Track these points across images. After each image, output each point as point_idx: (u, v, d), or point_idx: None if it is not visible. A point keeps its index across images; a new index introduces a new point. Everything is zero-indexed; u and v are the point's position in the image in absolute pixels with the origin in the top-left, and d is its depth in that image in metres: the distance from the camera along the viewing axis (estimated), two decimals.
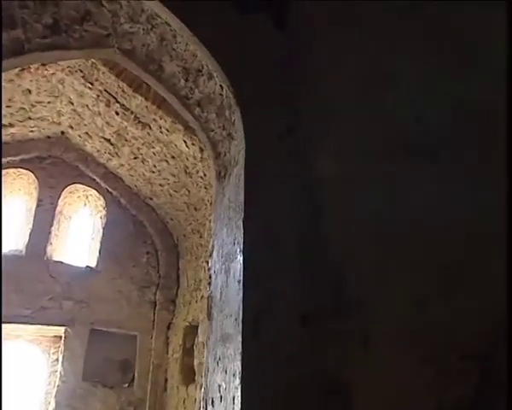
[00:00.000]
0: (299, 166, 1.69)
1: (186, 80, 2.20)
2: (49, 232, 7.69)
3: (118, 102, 5.79)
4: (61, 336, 7.36)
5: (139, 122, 5.80)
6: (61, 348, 7.24)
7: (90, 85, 5.84)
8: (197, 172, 5.82)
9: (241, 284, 1.75)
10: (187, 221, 7.45)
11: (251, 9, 2.03)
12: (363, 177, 1.63)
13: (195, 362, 6.46)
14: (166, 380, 7.66)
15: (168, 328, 8.07)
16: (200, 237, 6.97)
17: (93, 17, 2.23)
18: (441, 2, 1.90)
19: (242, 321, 1.70)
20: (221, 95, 2.01)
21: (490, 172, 1.68)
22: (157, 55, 2.26)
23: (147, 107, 5.37)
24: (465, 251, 1.54)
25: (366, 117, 1.76)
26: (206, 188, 5.93)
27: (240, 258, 1.81)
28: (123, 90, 5.43)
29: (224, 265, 2.07)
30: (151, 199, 8.00)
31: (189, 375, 6.69)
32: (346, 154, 1.68)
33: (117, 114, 6.03)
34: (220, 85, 1.99)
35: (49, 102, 6.62)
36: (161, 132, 5.65)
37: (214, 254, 2.28)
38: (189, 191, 6.57)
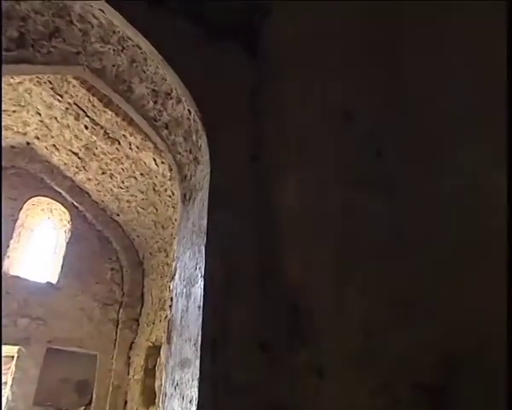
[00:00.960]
0: (262, 194, 1.72)
1: (155, 102, 2.21)
2: (8, 245, 7.38)
3: (87, 116, 5.71)
4: (13, 356, 6.97)
5: (108, 137, 5.73)
6: (12, 369, 6.85)
7: (59, 98, 5.73)
8: (165, 190, 5.77)
9: (201, 309, 1.75)
10: (153, 239, 7.34)
11: (221, 38, 2.09)
12: (323, 206, 1.68)
13: (157, 384, 6.28)
14: (126, 402, 7.38)
15: (130, 348, 7.83)
16: (167, 255, 6.88)
17: (62, 34, 2.22)
18: (401, 43, 1.99)
19: (201, 347, 1.70)
20: (189, 119, 2.04)
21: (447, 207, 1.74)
22: (127, 76, 2.27)
23: (117, 122, 5.32)
24: (417, 283, 1.59)
25: (329, 148, 1.82)
26: (173, 207, 5.89)
27: (201, 283, 1.81)
28: (93, 105, 5.37)
29: (185, 288, 2.06)
30: (118, 215, 7.85)
31: (150, 397, 6.49)
32: (308, 183, 1.73)
33: (86, 127, 5.94)
34: (188, 110, 2.02)
35: (14, 111, 6.44)
36: (131, 149, 5.60)
37: (176, 277, 2.26)
38: (156, 209, 6.50)
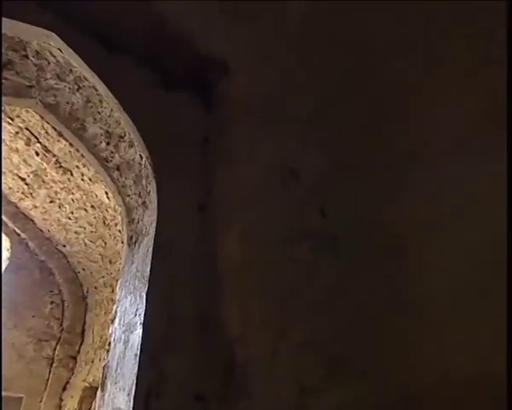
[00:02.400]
0: (206, 245, 1.75)
1: (107, 144, 2.22)
2: None
3: (39, 142, 5.54)
4: None
5: (60, 166, 5.57)
6: None
7: (9, 120, 5.53)
8: (116, 225, 5.64)
9: (138, 357, 1.71)
10: (100, 273, 7.05)
11: (177, 87, 2.16)
12: (265, 260, 1.72)
13: None
14: None
15: (64, 389, 7.27)
16: (113, 291, 6.61)
17: (15, 67, 2.20)
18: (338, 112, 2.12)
19: (134, 397, 1.65)
20: (140, 164, 2.06)
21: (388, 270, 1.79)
22: (81, 114, 2.27)
23: (70, 152, 5.19)
24: (353, 340, 1.64)
25: (274, 204, 1.89)
26: (123, 242, 5.73)
27: (139, 331, 1.78)
28: (47, 132, 5.23)
29: (123, 334, 2.01)
30: (64, 246, 7.50)
31: None
32: (251, 237, 1.78)
33: (37, 154, 5.74)
34: (140, 155, 2.04)
35: None
36: (83, 180, 5.46)
37: (116, 321, 2.20)
38: (105, 243, 6.30)
